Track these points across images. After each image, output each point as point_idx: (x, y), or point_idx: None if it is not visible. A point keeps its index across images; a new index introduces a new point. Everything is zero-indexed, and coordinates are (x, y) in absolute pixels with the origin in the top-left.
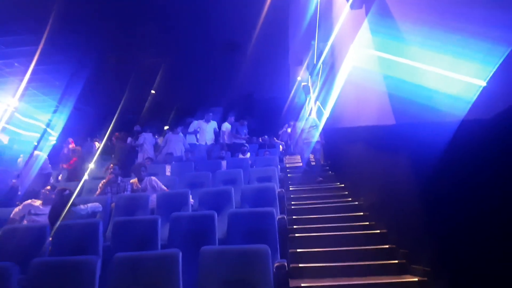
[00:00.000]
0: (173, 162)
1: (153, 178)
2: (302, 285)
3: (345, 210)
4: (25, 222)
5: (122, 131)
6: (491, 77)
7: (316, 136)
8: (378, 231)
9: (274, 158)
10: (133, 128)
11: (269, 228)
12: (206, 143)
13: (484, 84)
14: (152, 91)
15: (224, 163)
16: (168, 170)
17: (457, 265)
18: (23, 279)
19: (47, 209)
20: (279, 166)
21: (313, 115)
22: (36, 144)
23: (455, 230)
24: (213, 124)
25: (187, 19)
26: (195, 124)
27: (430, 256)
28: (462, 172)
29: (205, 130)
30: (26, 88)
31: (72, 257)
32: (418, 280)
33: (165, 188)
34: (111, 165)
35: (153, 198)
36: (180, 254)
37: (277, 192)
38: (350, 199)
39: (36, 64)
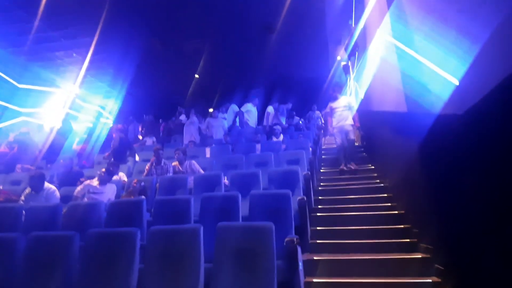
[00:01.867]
0: (213, 145)
1: (193, 161)
2: (314, 258)
3: (371, 191)
4: (85, 199)
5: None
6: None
7: (349, 119)
8: (397, 212)
9: (306, 141)
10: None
11: (285, 208)
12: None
13: (457, 83)
14: (196, 75)
15: (258, 146)
16: (208, 152)
17: (455, 244)
18: (82, 245)
19: (103, 189)
20: (310, 149)
21: (352, 96)
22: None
23: (455, 211)
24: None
25: (227, 3)
26: (243, 107)
27: (433, 235)
28: (464, 161)
29: (253, 113)
30: (84, 76)
31: (119, 228)
32: (421, 257)
33: (202, 171)
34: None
35: (191, 179)
36: (201, 228)
37: (302, 175)
38: (378, 180)
39: (92, 54)
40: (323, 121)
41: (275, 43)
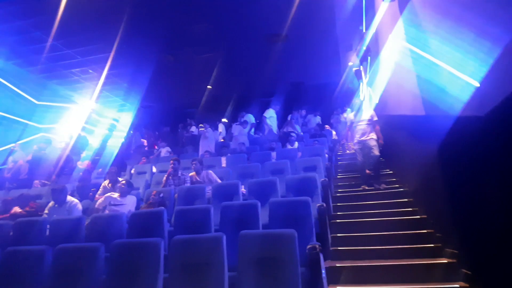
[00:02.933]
0: (228, 154)
1: (210, 171)
2: (337, 264)
3: (390, 197)
4: (106, 211)
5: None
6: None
7: (372, 134)
8: (419, 216)
9: (322, 148)
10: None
11: (305, 215)
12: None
13: (477, 84)
14: (209, 86)
15: (274, 154)
16: (223, 161)
17: (482, 248)
18: (107, 256)
19: (124, 200)
20: (326, 155)
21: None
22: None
23: (480, 214)
24: None
25: (236, 14)
26: (265, 113)
27: (458, 240)
28: (485, 164)
29: (275, 119)
30: (100, 91)
31: (143, 239)
32: (447, 262)
33: (219, 180)
34: (171, 160)
35: (209, 189)
36: (224, 237)
37: (320, 181)
38: (397, 185)
39: (107, 70)
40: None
41: (286, 51)
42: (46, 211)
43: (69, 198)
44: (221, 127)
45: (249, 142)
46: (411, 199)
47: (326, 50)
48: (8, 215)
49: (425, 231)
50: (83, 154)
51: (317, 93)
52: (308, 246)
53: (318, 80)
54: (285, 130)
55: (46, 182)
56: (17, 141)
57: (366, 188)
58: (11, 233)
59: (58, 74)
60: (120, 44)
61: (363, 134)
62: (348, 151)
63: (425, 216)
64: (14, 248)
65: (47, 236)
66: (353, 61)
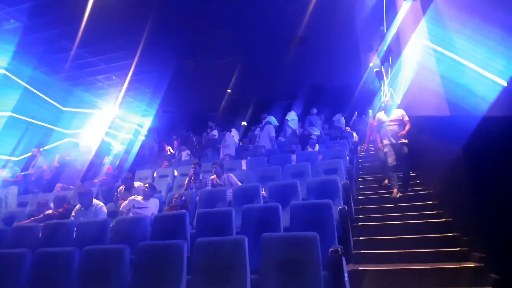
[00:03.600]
0: (248, 157)
1: (231, 174)
2: (360, 268)
3: (414, 199)
4: (130, 214)
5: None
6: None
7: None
8: (444, 219)
9: (343, 150)
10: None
11: (327, 218)
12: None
13: (505, 84)
14: (228, 90)
15: (294, 156)
16: (244, 165)
17: (509, 252)
18: (132, 258)
19: (147, 203)
20: (347, 158)
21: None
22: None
23: (509, 216)
24: None
25: (256, 18)
26: (288, 115)
27: (486, 243)
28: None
29: (296, 121)
30: (123, 97)
31: (166, 241)
32: (474, 266)
33: (239, 183)
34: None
35: (230, 192)
36: (246, 239)
37: (341, 184)
38: (421, 187)
39: (130, 76)
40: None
41: (306, 54)
42: (73, 214)
43: (94, 201)
44: (234, 131)
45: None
46: (436, 202)
47: (346, 51)
48: (41, 216)
49: (451, 234)
50: (106, 159)
51: (338, 95)
52: (330, 249)
53: (339, 82)
54: (305, 132)
55: (69, 186)
56: (43, 146)
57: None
58: (40, 235)
59: (83, 81)
60: (142, 51)
61: (393, 135)
62: (372, 152)
63: (451, 219)
64: (43, 250)
65: (74, 238)
66: (374, 62)
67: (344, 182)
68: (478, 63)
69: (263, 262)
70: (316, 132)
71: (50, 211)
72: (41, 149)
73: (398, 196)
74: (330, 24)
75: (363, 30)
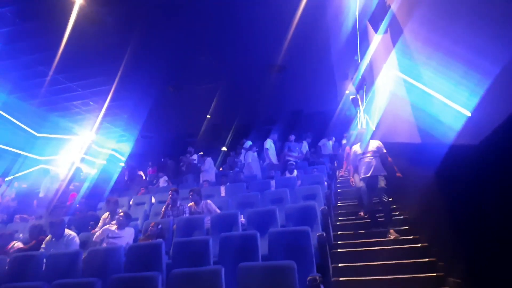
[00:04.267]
0: (227, 184)
1: (209, 201)
2: None
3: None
4: (104, 244)
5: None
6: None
7: (381, 169)
8: (420, 244)
9: (321, 176)
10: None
11: (305, 245)
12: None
13: (469, 114)
14: (208, 116)
15: (273, 182)
16: (223, 191)
17: (488, 276)
18: None
19: (122, 233)
20: (325, 183)
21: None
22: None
23: (482, 242)
24: None
25: (236, 46)
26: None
27: (462, 268)
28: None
29: (273, 149)
30: (100, 122)
31: (140, 273)
32: None
33: (218, 210)
34: (169, 191)
35: (208, 219)
36: (223, 270)
37: (319, 210)
38: (397, 212)
39: (108, 102)
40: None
41: (284, 81)
42: (43, 245)
43: (66, 231)
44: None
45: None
46: (411, 227)
47: (323, 79)
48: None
49: (427, 259)
50: (72, 186)
51: (317, 120)
52: (309, 278)
53: (317, 108)
54: (285, 158)
55: (29, 217)
56: (10, 173)
57: (362, 215)
58: (7, 268)
59: (59, 106)
60: (121, 77)
61: (368, 168)
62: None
63: (427, 244)
64: (10, 285)
65: (43, 271)
66: (349, 89)
67: (322, 208)
68: (444, 94)
69: None
70: (294, 154)
71: (18, 243)
72: (6, 179)
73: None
74: (307, 53)
75: (338, 59)
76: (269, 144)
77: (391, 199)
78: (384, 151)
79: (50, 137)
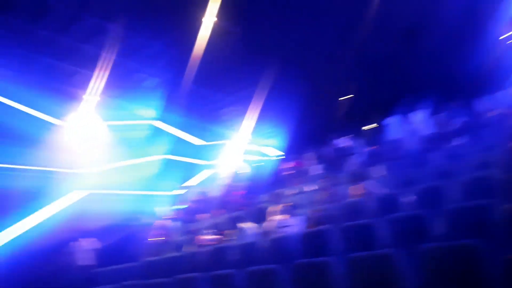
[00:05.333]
0: (382, 162)
1: (369, 182)
2: None
3: None
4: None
5: None
6: None
7: None
8: None
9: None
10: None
11: (489, 223)
12: None
13: None
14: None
15: (434, 155)
16: (378, 170)
17: None
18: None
19: (291, 221)
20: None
21: None
22: None
23: None
24: None
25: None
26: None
27: None
28: None
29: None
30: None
31: (317, 259)
32: None
33: (380, 191)
34: None
35: (369, 202)
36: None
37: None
38: None
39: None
40: None
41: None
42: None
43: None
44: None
45: None
46: None
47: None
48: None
49: None
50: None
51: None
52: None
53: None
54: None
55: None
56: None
57: None
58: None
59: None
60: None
61: None
62: None
63: None
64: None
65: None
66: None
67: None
68: None
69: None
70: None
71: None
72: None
73: None
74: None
75: None
76: (419, 116)
77: None
78: None
79: (211, 144)
